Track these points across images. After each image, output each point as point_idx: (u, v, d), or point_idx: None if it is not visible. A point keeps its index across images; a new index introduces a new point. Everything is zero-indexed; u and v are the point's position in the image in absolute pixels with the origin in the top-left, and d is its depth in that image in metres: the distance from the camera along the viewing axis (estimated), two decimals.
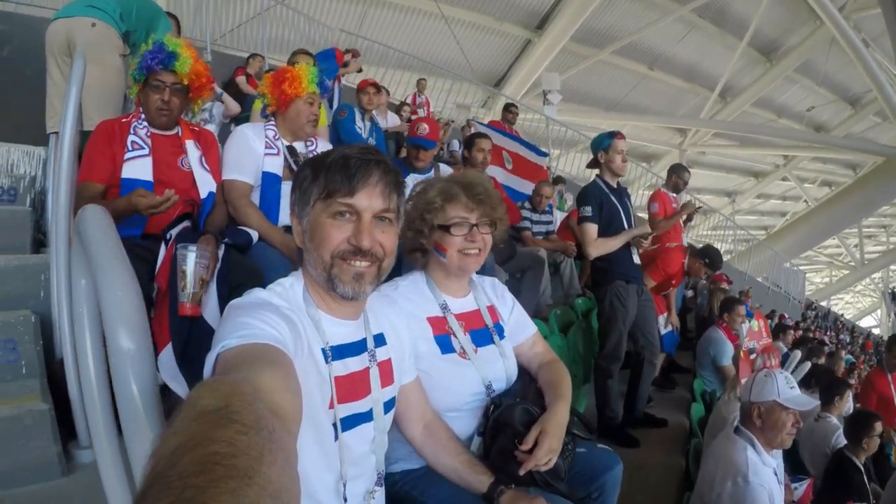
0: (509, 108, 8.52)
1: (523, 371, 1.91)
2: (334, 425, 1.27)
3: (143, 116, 2.62)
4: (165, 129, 2.65)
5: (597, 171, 4.05)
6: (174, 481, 0.46)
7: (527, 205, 6.08)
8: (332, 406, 1.27)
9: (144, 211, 2.22)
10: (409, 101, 9.71)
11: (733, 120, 21.85)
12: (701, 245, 5.37)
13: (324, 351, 1.28)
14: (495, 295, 2.00)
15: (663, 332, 5.24)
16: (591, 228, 3.82)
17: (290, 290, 1.33)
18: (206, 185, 2.65)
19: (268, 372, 0.88)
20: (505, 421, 1.62)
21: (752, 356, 4.04)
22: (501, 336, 1.89)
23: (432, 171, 3.99)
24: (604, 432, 3.83)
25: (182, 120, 2.75)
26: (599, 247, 3.82)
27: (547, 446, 1.54)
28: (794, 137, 22.29)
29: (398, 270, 1.88)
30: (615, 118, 19.62)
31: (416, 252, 1.85)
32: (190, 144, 2.67)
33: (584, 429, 1.86)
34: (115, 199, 2.33)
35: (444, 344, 1.74)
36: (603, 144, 3.90)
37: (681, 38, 18.85)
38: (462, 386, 1.72)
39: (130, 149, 2.50)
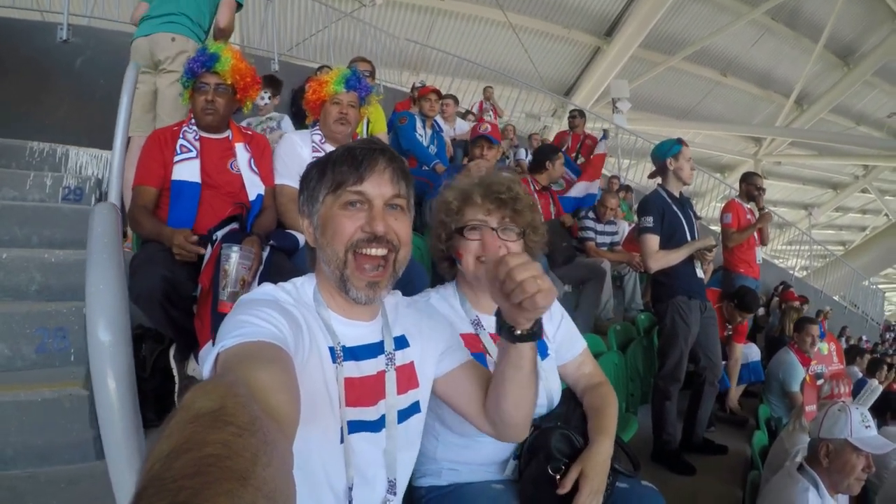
0: (573, 115, 8.31)
1: (569, 394, 1.77)
2: (342, 427, 1.21)
3: (192, 121, 2.73)
4: (213, 129, 2.74)
5: (658, 180, 3.90)
6: (169, 483, 0.46)
7: (590, 214, 5.88)
8: (340, 406, 1.21)
9: (178, 248, 2.28)
10: (475, 109, 9.66)
11: (810, 128, 20.72)
12: (737, 287, 5.04)
13: (332, 350, 1.22)
14: None
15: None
16: (652, 240, 3.67)
17: (300, 288, 1.29)
18: (254, 187, 2.72)
19: (264, 372, 0.87)
20: (540, 446, 1.50)
21: (820, 382, 3.78)
22: (543, 355, 1.70)
23: None
24: (658, 457, 3.66)
25: (234, 123, 2.85)
26: (660, 259, 3.66)
27: (588, 490, 1.42)
28: (874, 146, 20.78)
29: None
30: (687, 127, 19.05)
31: (445, 261, 1.73)
32: (240, 147, 2.76)
33: (629, 461, 1.68)
34: (162, 225, 2.43)
35: (481, 363, 1.54)
36: (673, 150, 3.75)
37: (754, 43, 18.03)
38: None
39: (179, 152, 2.61)
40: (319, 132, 3.00)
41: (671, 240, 3.69)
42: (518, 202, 1.61)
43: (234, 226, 2.49)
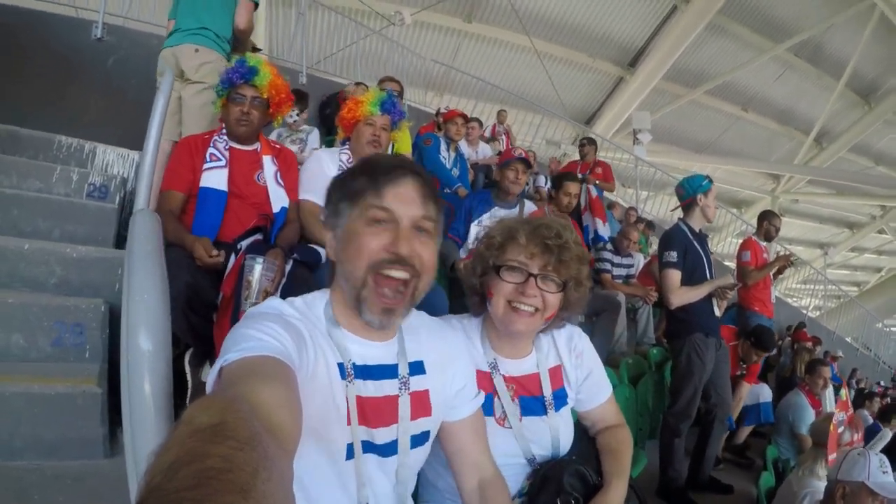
0: (581, 143, 7.93)
1: (584, 433, 1.72)
2: (351, 445, 1.19)
3: (224, 131, 2.78)
4: (245, 140, 2.78)
5: (679, 214, 3.89)
6: (171, 494, 0.47)
7: (608, 246, 5.86)
8: (349, 423, 1.19)
9: (197, 259, 2.30)
10: (487, 132, 9.60)
11: (829, 166, 20.55)
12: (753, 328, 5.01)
13: (341, 366, 1.20)
14: (569, 352, 1.70)
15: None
16: (675, 275, 3.64)
17: (310, 304, 1.26)
18: (279, 199, 2.75)
19: (266, 388, 0.86)
20: (553, 478, 1.45)
21: (840, 430, 3.73)
22: (560, 405, 1.64)
23: (517, 207, 3.92)
24: (663, 493, 3.62)
25: (263, 136, 2.89)
26: (682, 296, 3.64)
27: None
28: (893, 186, 20.39)
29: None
30: (706, 161, 18.97)
31: (476, 297, 1.63)
32: (267, 160, 2.81)
33: (636, 498, 1.63)
34: (185, 232, 2.45)
35: (486, 405, 1.51)
36: (704, 186, 3.73)
37: (776, 78, 18.00)
38: (496, 449, 1.48)
39: (209, 160, 2.65)
40: (348, 151, 3.02)
41: (692, 276, 3.67)
42: (565, 252, 1.50)
43: (259, 237, 2.51)
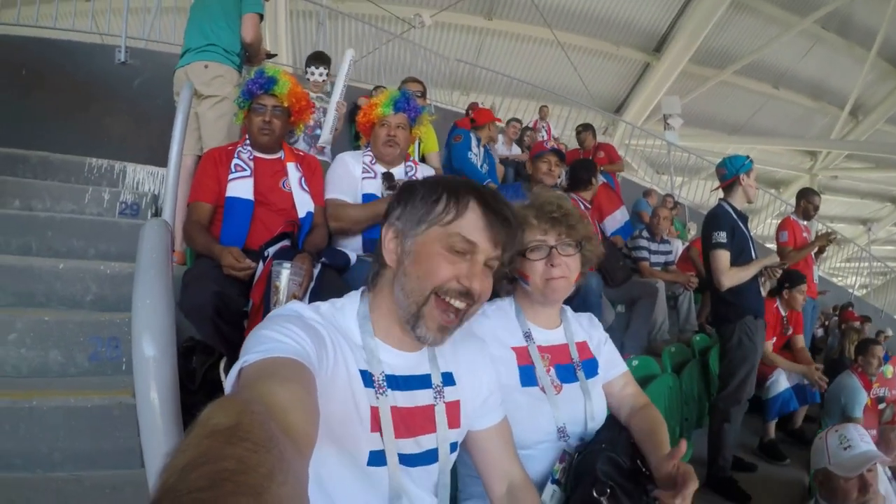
0: (578, 130, 7.70)
1: (613, 420, 1.72)
2: (380, 452, 1.18)
3: (247, 142, 2.81)
4: (268, 150, 2.82)
5: (720, 194, 3.80)
6: (184, 495, 0.47)
7: (644, 233, 5.70)
8: (372, 431, 1.18)
9: (227, 268, 2.32)
10: (531, 125, 9.53)
11: (866, 140, 19.94)
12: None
13: (364, 374, 1.19)
14: (590, 330, 1.84)
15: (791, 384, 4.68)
16: (725, 256, 3.54)
17: (338, 311, 1.25)
18: (304, 205, 2.78)
19: (283, 390, 0.85)
20: (585, 471, 1.44)
21: (881, 406, 3.56)
22: (591, 374, 1.73)
23: None
24: (712, 483, 3.53)
25: (286, 144, 2.93)
26: (733, 277, 3.53)
27: (693, 487, 1.32)
28: None
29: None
30: (740, 142, 18.56)
31: (504, 280, 1.73)
32: (291, 167, 2.83)
33: None
34: (213, 242, 2.48)
35: (527, 375, 1.61)
36: (746, 166, 3.65)
37: (805, 54, 17.50)
38: (534, 423, 1.56)
39: (234, 171, 2.68)
40: (370, 153, 3.03)
41: (739, 256, 3.58)
42: (570, 217, 1.65)
43: (286, 242, 2.52)
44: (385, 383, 1.21)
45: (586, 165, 4.73)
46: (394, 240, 1.24)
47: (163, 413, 1.01)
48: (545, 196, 1.70)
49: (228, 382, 0.96)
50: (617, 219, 5.79)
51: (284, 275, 2.14)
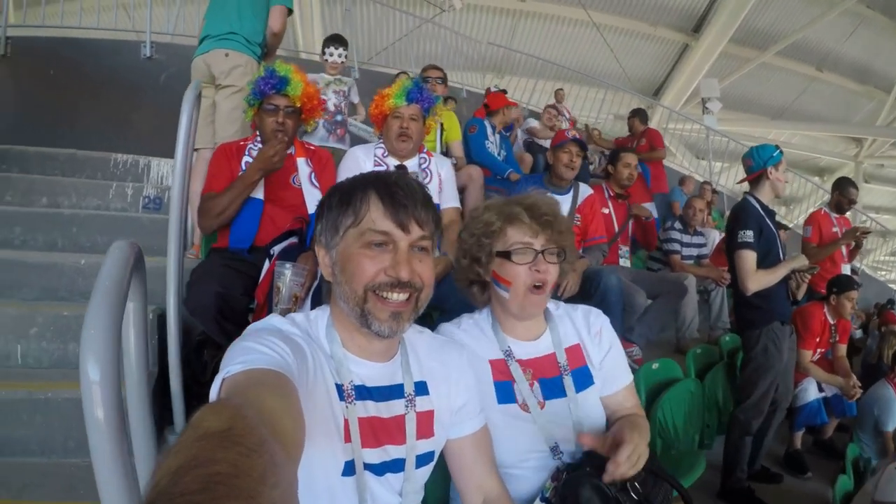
0: (629, 116, 7.57)
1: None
2: (348, 462, 1.19)
3: (258, 139, 2.77)
4: None
5: (745, 186, 3.59)
6: (177, 498, 0.47)
7: (677, 225, 5.43)
8: (346, 441, 1.19)
9: (269, 160, 2.47)
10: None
11: None
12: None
13: (339, 387, 1.20)
14: (588, 330, 1.68)
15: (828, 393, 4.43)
16: (752, 257, 3.29)
17: (312, 322, 1.27)
18: (314, 201, 2.72)
19: (271, 397, 0.86)
20: (568, 494, 1.38)
21: None
22: (582, 385, 1.59)
23: (571, 192, 3.73)
24: (728, 495, 3.38)
25: (297, 139, 2.88)
26: (761, 280, 3.28)
27: (632, 446, 1.29)
28: None
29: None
30: (782, 127, 18.03)
31: (474, 285, 1.65)
32: (301, 162, 2.80)
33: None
34: (235, 180, 2.56)
35: (504, 392, 1.54)
36: (776, 158, 3.40)
37: (850, 34, 16.63)
38: (518, 443, 1.51)
39: (244, 169, 2.65)
40: (382, 146, 2.99)
41: (766, 258, 3.34)
42: (560, 223, 1.58)
43: (294, 240, 2.50)
44: (354, 393, 1.22)
45: (612, 154, 4.61)
46: (325, 255, 1.26)
47: (110, 437, 1.06)
48: (538, 197, 1.62)
49: (212, 394, 0.96)
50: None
51: (286, 276, 2.14)
